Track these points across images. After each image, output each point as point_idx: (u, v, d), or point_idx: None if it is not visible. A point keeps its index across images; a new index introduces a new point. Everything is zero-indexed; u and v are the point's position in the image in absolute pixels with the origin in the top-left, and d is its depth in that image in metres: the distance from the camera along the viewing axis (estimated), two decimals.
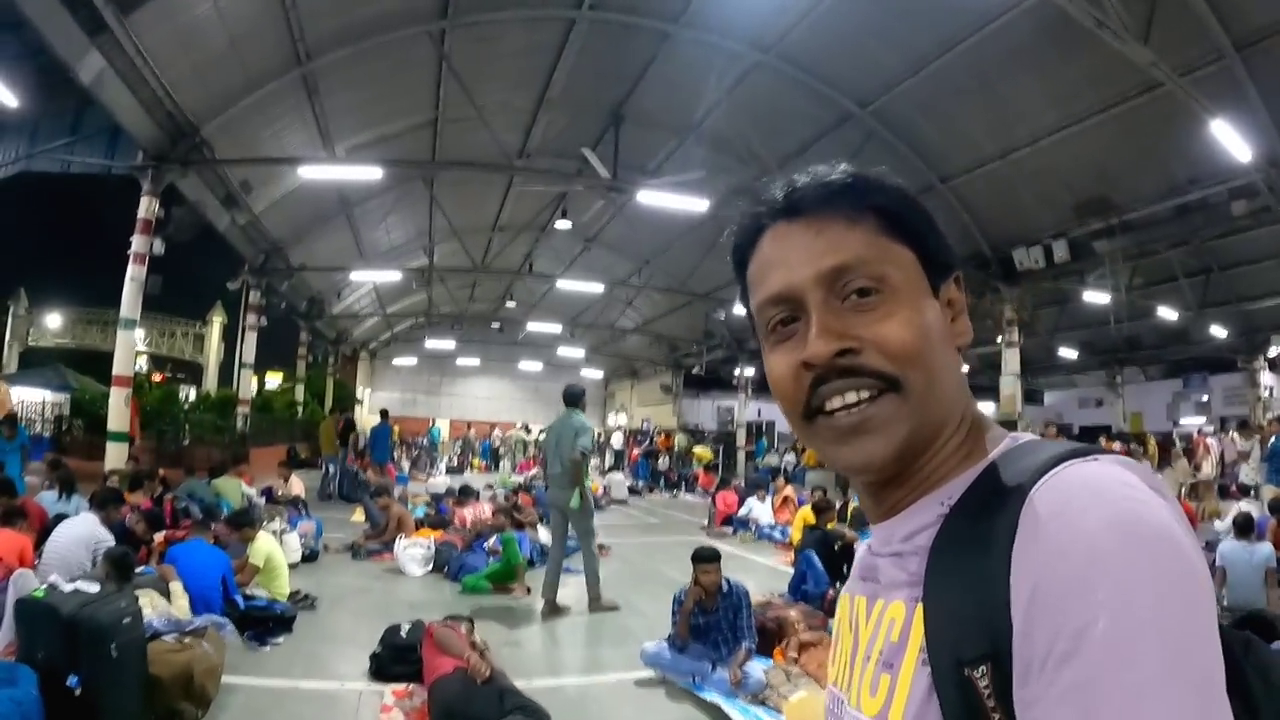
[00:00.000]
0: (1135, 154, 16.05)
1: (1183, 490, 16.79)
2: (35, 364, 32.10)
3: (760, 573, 12.08)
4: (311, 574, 10.52)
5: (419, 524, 13.12)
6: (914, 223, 1.01)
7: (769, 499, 17.20)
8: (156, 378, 33.37)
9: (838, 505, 13.33)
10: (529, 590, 9.94)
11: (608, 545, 13.17)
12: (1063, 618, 0.72)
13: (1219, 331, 24.24)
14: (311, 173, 17.02)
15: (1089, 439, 20.31)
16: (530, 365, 45.13)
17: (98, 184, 19.46)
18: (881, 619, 0.96)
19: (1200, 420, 29.36)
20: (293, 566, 10.17)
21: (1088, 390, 35.03)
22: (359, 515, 15.66)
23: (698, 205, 17.44)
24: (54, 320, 38.93)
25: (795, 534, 13.19)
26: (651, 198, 18.02)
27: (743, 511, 17.00)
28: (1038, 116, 16.28)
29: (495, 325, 37.45)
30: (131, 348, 15.34)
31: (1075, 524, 0.75)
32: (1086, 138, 16.07)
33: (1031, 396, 34.38)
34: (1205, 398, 30.50)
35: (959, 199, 19.49)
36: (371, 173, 17.23)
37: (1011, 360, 21.49)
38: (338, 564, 11.69)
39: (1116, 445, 20.34)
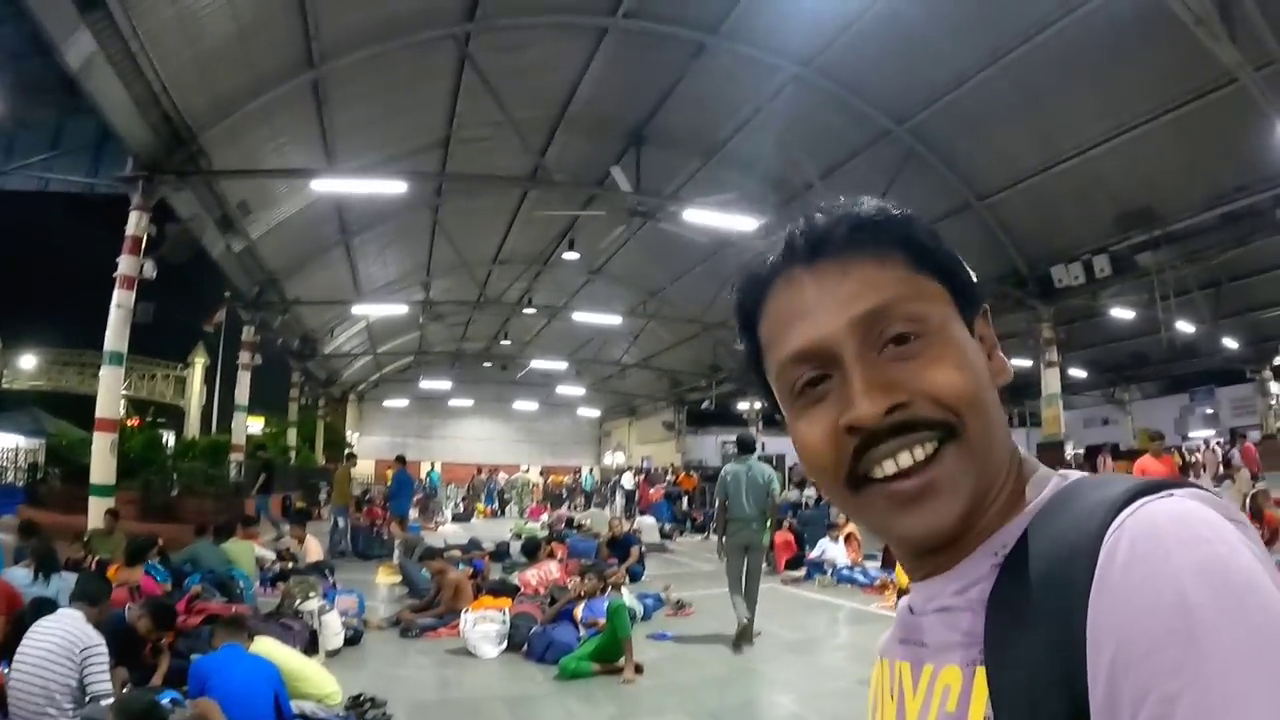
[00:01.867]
0: (1184, 162, 15.47)
1: (1246, 501, 15.50)
2: (8, 408, 30.55)
3: (881, 624, 10.36)
4: (360, 663, 8.49)
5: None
6: (942, 255, 0.90)
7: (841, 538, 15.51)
8: (133, 422, 31.67)
9: None
10: (640, 669, 8.04)
11: (688, 602, 11.59)
12: (1150, 682, 0.63)
13: (1231, 343, 24.05)
14: (327, 186, 15.61)
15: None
16: (525, 405, 44.89)
17: (78, 204, 18.04)
18: (934, 687, 0.85)
19: (1209, 433, 29.22)
20: (333, 653, 8.36)
21: (1093, 410, 34.78)
22: (385, 576, 13.93)
23: (745, 224, 16.44)
24: (28, 361, 36.89)
25: (901, 576, 11.51)
26: (697, 216, 16.98)
27: (815, 553, 15.50)
28: (1084, 127, 15.71)
29: (494, 364, 37.26)
30: (118, 386, 13.40)
31: (1158, 574, 0.66)
32: (1134, 147, 15.50)
33: (1036, 419, 33.95)
34: (1212, 410, 30.43)
35: (996, 217, 18.98)
36: (394, 186, 15.53)
37: (1051, 381, 21.05)
38: (387, 646, 9.51)
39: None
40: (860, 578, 14.13)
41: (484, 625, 9.08)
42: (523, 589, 11.04)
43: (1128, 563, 0.68)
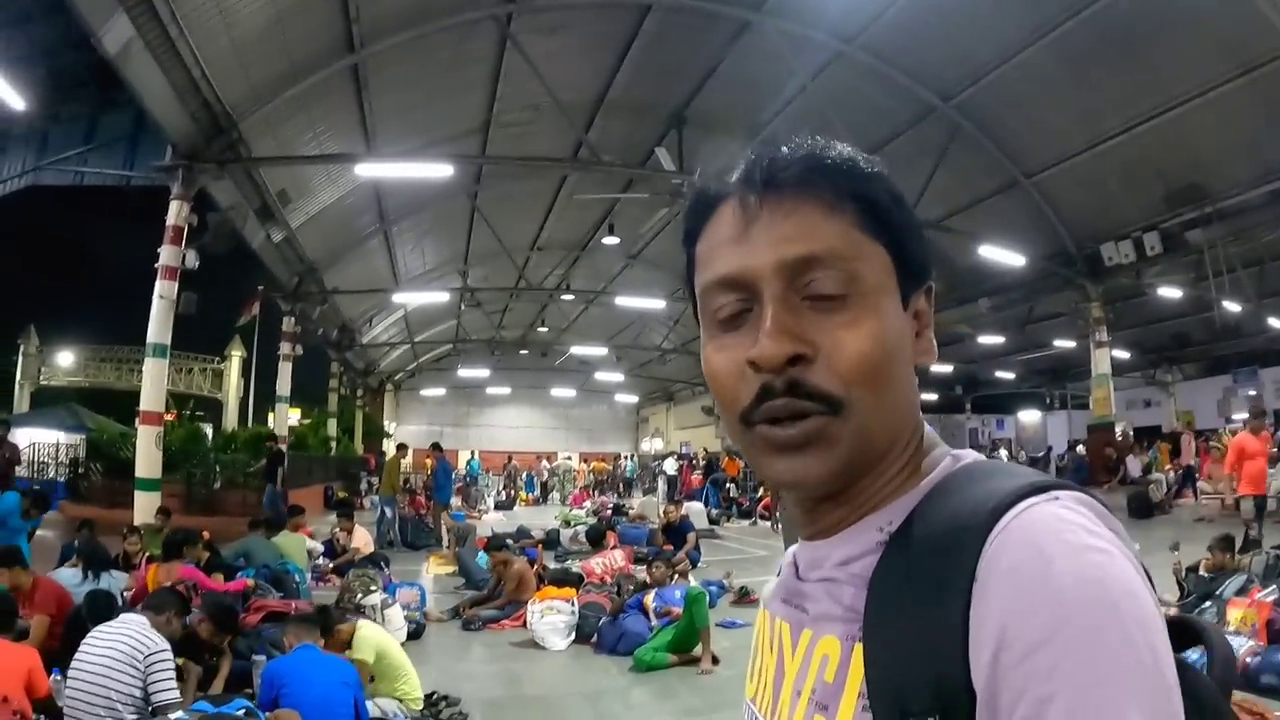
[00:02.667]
0: (1233, 138, 15.27)
1: None
2: (47, 404, 30.81)
3: None
4: (425, 658, 7.89)
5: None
6: (897, 221, 0.87)
7: None
8: (170, 415, 31.69)
9: None
10: (717, 660, 7.61)
11: (751, 588, 10.90)
12: (1027, 683, 0.65)
13: (1276, 323, 23.61)
14: (372, 170, 15.43)
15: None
16: (563, 392, 44.73)
17: (115, 198, 17.74)
18: (812, 653, 0.87)
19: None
20: None
21: (1135, 391, 33.95)
22: (437, 566, 13.66)
23: None
24: (66, 358, 37.30)
25: None
26: None
27: None
28: (1132, 103, 15.58)
29: (532, 352, 37.15)
30: (162, 378, 13.11)
31: (1040, 579, 0.68)
32: (1182, 123, 15.34)
33: (1079, 401, 34.13)
34: (1256, 391, 29.18)
35: (1044, 195, 18.94)
36: (440, 170, 15.23)
37: (1102, 361, 21.19)
38: (449, 640, 9.12)
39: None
40: None
41: (551, 616, 8.73)
42: (587, 578, 10.68)
43: (1011, 567, 0.69)
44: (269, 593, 8.63)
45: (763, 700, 0.95)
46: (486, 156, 19.25)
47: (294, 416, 31.75)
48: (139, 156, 13.80)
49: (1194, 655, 0.81)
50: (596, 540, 12.82)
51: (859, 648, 0.79)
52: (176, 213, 12.76)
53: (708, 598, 8.24)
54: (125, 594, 7.72)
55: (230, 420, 35.57)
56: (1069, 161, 17.63)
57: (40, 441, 22.45)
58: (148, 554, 9.21)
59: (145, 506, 12.02)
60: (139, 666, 4.82)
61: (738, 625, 8.85)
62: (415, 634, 8.74)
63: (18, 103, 11.82)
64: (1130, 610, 0.66)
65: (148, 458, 12.52)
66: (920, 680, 0.71)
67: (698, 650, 7.74)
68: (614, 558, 11.62)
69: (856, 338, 0.81)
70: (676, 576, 9.32)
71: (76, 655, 4.91)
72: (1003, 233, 18.42)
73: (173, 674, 5.01)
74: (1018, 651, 0.66)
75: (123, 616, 5.27)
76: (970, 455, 0.89)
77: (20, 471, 20.98)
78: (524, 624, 8.98)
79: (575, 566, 11.54)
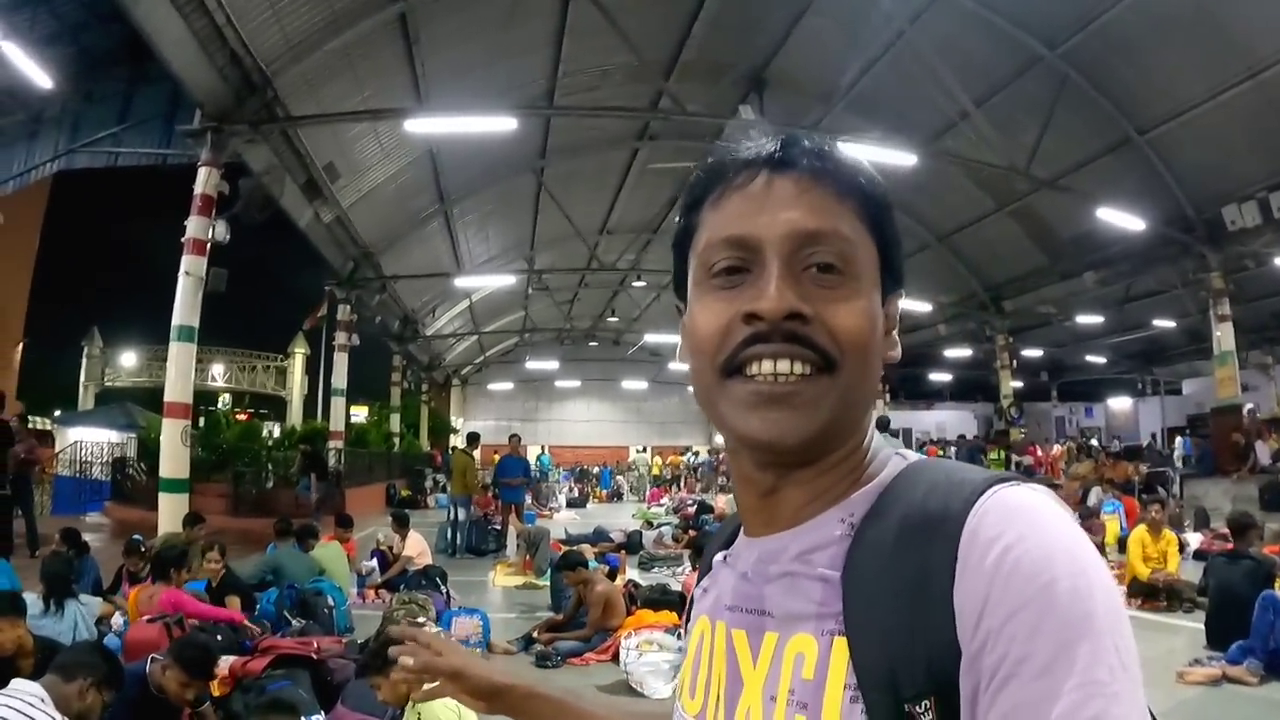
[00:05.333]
0: None
1: None
2: (108, 404, 30.83)
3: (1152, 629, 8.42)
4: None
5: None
6: (887, 224, 0.94)
7: None
8: (242, 415, 31.43)
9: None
10: None
11: None
12: (1009, 646, 0.69)
13: None
14: (424, 126, 13.94)
15: None
16: (634, 384, 44.06)
17: (150, 179, 16.83)
18: (782, 655, 0.86)
19: None
20: None
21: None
22: (504, 577, 12.26)
23: (905, 159, 14.92)
24: (128, 359, 37.48)
25: (1137, 564, 9.62)
26: (850, 152, 14.34)
27: None
28: (1258, 43, 14.04)
29: (601, 342, 36.96)
30: (189, 365, 11.86)
31: (1017, 550, 0.73)
32: None
33: (1172, 388, 34.11)
34: None
35: (1158, 153, 17.21)
36: (502, 124, 13.66)
37: (1226, 337, 19.07)
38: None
39: None
40: None
41: (652, 654, 7.04)
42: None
43: (990, 540, 0.73)
44: (286, 626, 7.08)
45: (715, 713, 0.93)
46: (556, 108, 17.87)
47: (360, 413, 31.28)
48: (175, 134, 12.76)
49: None
50: (702, 551, 10.83)
51: (839, 641, 0.80)
52: (204, 180, 11.53)
53: None
54: (105, 626, 6.32)
55: (294, 418, 35.58)
56: (1187, 114, 15.92)
57: (89, 441, 21.81)
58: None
59: (172, 511, 10.60)
60: None
61: None
62: None
63: (45, 81, 11.32)
64: (1098, 578, 0.71)
65: (174, 456, 11.21)
66: (912, 664, 0.73)
67: None
68: None
69: (849, 310, 0.85)
70: None
71: None
72: (1113, 197, 16.81)
73: None
74: (999, 616, 0.69)
75: (14, 683, 3.65)
76: (913, 455, 0.92)
77: (63, 470, 20.35)
78: (613, 657, 7.36)
79: (673, 581, 10.17)
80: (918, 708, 0.73)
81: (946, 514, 0.77)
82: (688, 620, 1.09)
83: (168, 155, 13.22)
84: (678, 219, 0.99)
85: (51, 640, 4.74)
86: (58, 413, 32.08)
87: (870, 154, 14.82)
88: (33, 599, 5.90)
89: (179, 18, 10.14)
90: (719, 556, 1.03)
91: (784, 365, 0.84)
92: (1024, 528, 0.73)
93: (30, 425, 13.89)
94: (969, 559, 0.73)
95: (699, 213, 0.94)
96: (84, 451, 21.07)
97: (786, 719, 0.83)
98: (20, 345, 40.12)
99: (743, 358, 0.85)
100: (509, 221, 25.20)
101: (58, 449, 21.83)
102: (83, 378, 36.00)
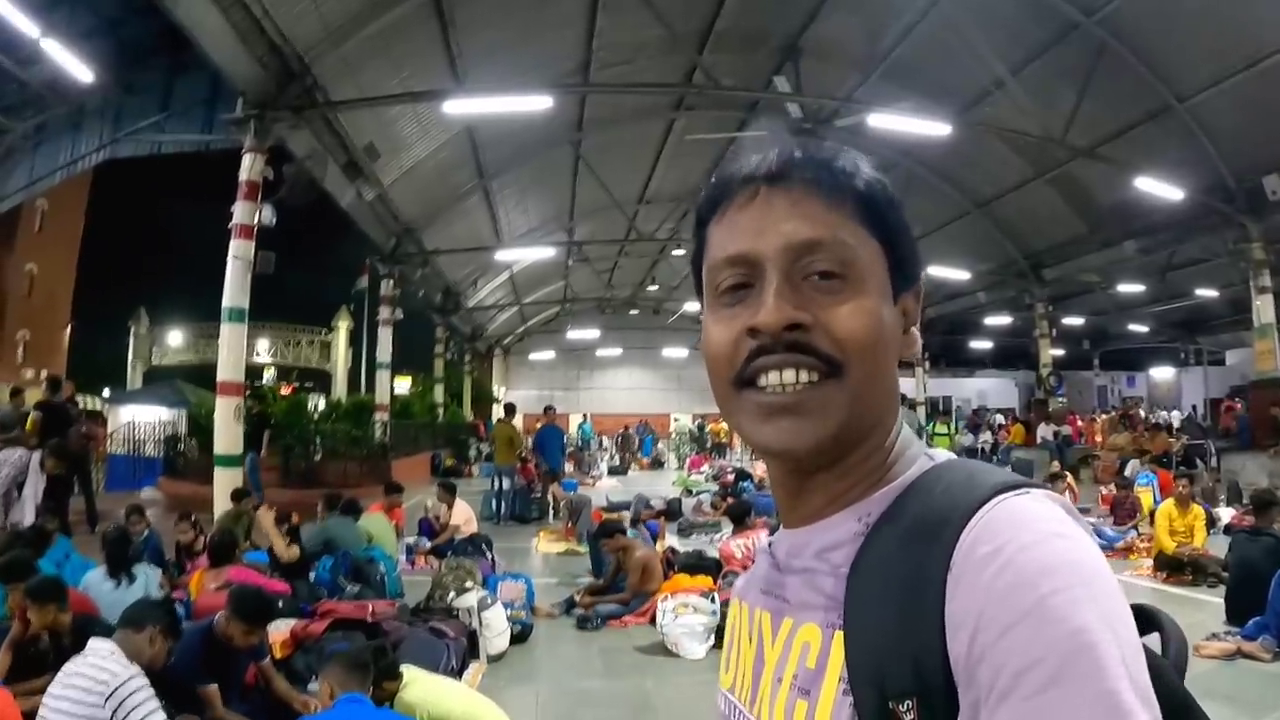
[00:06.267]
0: None
1: None
2: (156, 383, 31.28)
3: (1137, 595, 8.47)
4: (531, 673, 6.79)
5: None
6: (891, 221, 0.96)
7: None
8: (286, 390, 31.90)
9: None
10: None
11: None
12: (1005, 658, 0.70)
13: None
14: (461, 107, 14.19)
15: None
16: (675, 352, 43.81)
17: (193, 164, 17.16)
18: (792, 641, 0.92)
19: None
20: (496, 658, 6.80)
21: None
22: (547, 543, 12.56)
23: (941, 129, 14.94)
24: (175, 337, 38.36)
25: (1163, 538, 9.65)
26: (882, 122, 15.16)
27: None
28: None
29: (642, 311, 36.97)
30: (241, 345, 12.17)
31: (1014, 563, 0.73)
32: None
33: (1215, 358, 33.71)
34: None
35: (1198, 121, 16.83)
36: (538, 102, 13.99)
37: (1265, 309, 18.70)
38: (562, 644, 7.69)
39: None
40: (1107, 540, 11.55)
41: (687, 616, 7.24)
42: (726, 564, 9.07)
43: (987, 554, 0.74)
44: (341, 591, 7.43)
45: (741, 689, 0.99)
46: (590, 85, 17.97)
47: (403, 385, 31.65)
48: (216, 120, 13.04)
49: None
50: (740, 518, 10.52)
51: (839, 634, 0.83)
52: (249, 166, 11.82)
53: None
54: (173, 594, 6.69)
55: (339, 390, 36.04)
56: (1227, 82, 15.58)
57: (140, 419, 22.28)
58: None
59: (226, 485, 11.11)
60: (102, 712, 3.64)
61: None
62: (521, 636, 7.42)
63: (85, 75, 11.54)
64: (1100, 588, 0.72)
65: (227, 432, 11.63)
66: (900, 663, 0.75)
67: None
68: (760, 539, 9.88)
69: (851, 312, 0.87)
70: None
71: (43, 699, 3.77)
72: (1152, 166, 16.63)
73: (154, 709, 3.82)
74: (994, 631, 0.70)
75: (90, 644, 4.00)
76: (943, 455, 0.94)
77: (117, 448, 20.85)
78: (651, 619, 7.61)
79: (710, 547, 10.29)
80: (901, 706, 0.75)
81: (948, 519, 0.79)
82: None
83: (210, 140, 13.41)
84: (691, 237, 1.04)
85: (83, 618, 5.03)
86: (107, 392, 32.60)
87: (905, 123, 15.02)
88: (100, 574, 6.28)
89: (217, 11, 10.38)
90: (766, 543, 1.05)
91: (789, 375, 0.87)
92: (1024, 539, 0.74)
93: (81, 405, 14.28)
94: (964, 568, 0.75)
95: (706, 230, 0.99)
96: (136, 430, 21.48)
97: (789, 702, 0.88)
98: (68, 328, 41.21)
99: (751, 370, 0.88)
100: (548, 194, 25.23)
101: (110, 428, 22.28)
102: (130, 357, 37.06)
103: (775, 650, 0.93)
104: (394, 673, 4.56)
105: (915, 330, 0.98)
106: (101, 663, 3.82)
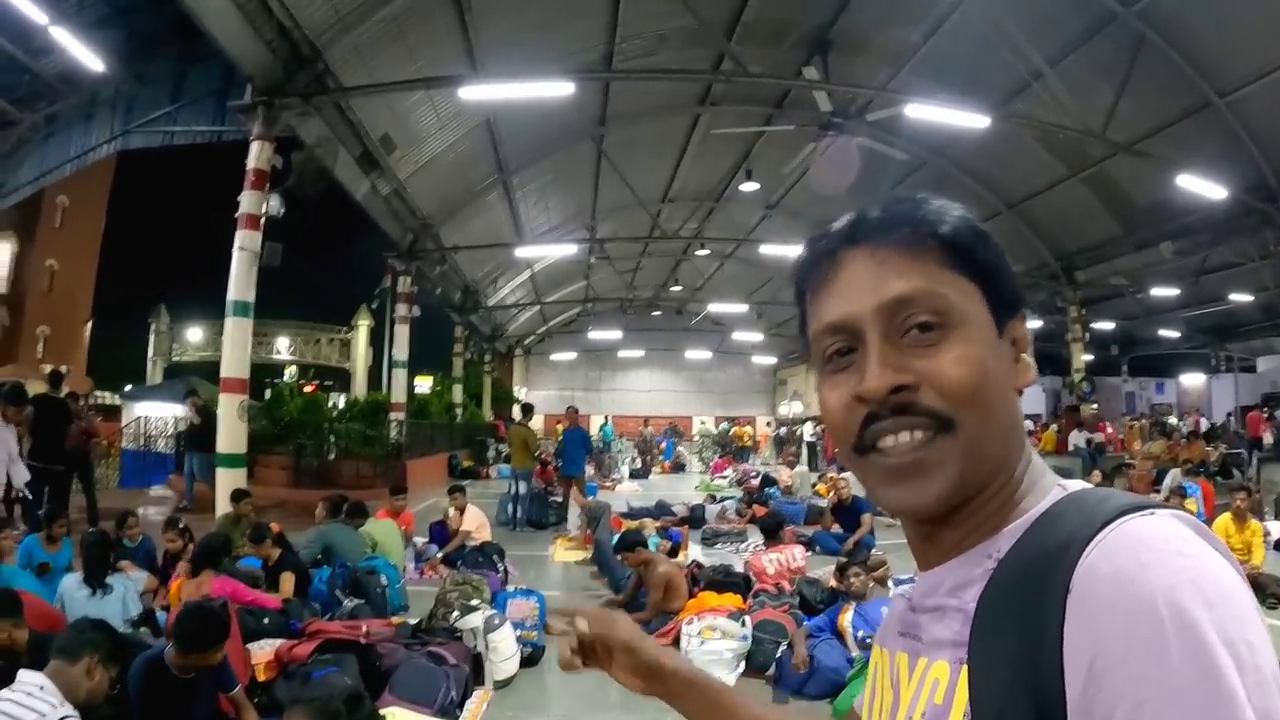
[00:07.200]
0: None
1: None
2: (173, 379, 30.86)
3: None
4: (541, 702, 6.04)
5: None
6: (982, 256, 0.95)
7: None
8: (309, 388, 31.76)
9: None
10: None
11: None
12: (1125, 688, 0.68)
13: None
14: (478, 93, 13.68)
15: None
16: (697, 354, 43.99)
17: (207, 157, 16.99)
18: (924, 679, 0.91)
19: None
20: (503, 684, 6.12)
21: None
22: (564, 552, 12.03)
23: (978, 122, 14.61)
24: (195, 334, 38.23)
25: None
26: (921, 112, 14.62)
27: None
28: None
29: (664, 312, 36.77)
30: (245, 340, 11.86)
31: (1134, 586, 0.71)
32: None
33: (1246, 364, 32.95)
34: None
35: (1238, 117, 16.14)
36: (559, 89, 13.38)
37: None
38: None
39: None
40: None
41: (715, 641, 6.57)
42: (757, 581, 8.46)
43: (1106, 576, 0.72)
44: (337, 607, 6.93)
45: None
46: (614, 71, 17.47)
47: (423, 385, 31.40)
48: (229, 111, 12.81)
49: None
50: (773, 531, 9.95)
51: (965, 669, 0.81)
52: (257, 154, 11.48)
53: None
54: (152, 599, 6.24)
55: (359, 389, 35.90)
56: (1269, 76, 15.01)
57: (153, 415, 21.94)
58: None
59: (228, 485, 10.67)
60: None
61: None
62: (531, 659, 6.66)
63: (96, 65, 11.51)
64: (1226, 613, 0.68)
65: (231, 431, 11.25)
66: (1019, 696, 0.74)
67: None
68: (793, 555, 9.12)
69: (954, 361, 0.86)
70: (873, 584, 6.97)
71: None
72: (1191, 163, 16.01)
73: None
74: (1115, 658, 0.68)
75: (20, 675, 3.46)
76: (1077, 484, 0.91)
77: (129, 444, 20.59)
78: (674, 641, 6.84)
79: (737, 560, 9.76)
80: None
81: (1069, 544, 0.76)
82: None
83: (222, 132, 13.22)
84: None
85: (44, 635, 4.51)
86: (128, 388, 32.56)
87: (941, 114, 14.63)
88: (76, 582, 5.82)
89: None
90: (899, 590, 1.10)
91: (904, 438, 0.86)
92: (1146, 558, 0.71)
93: (98, 401, 13.97)
94: (1084, 591, 0.72)
95: (804, 301, 0.99)
96: (148, 426, 21.20)
97: None
98: (89, 324, 41.33)
99: (868, 438, 0.88)
100: (569, 190, 24.91)
101: (123, 423, 22.09)
102: (150, 353, 37.12)
103: (910, 689, 0.92)
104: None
105: (1027, 357, 0.97)
106: (26, 700, 3.30)
